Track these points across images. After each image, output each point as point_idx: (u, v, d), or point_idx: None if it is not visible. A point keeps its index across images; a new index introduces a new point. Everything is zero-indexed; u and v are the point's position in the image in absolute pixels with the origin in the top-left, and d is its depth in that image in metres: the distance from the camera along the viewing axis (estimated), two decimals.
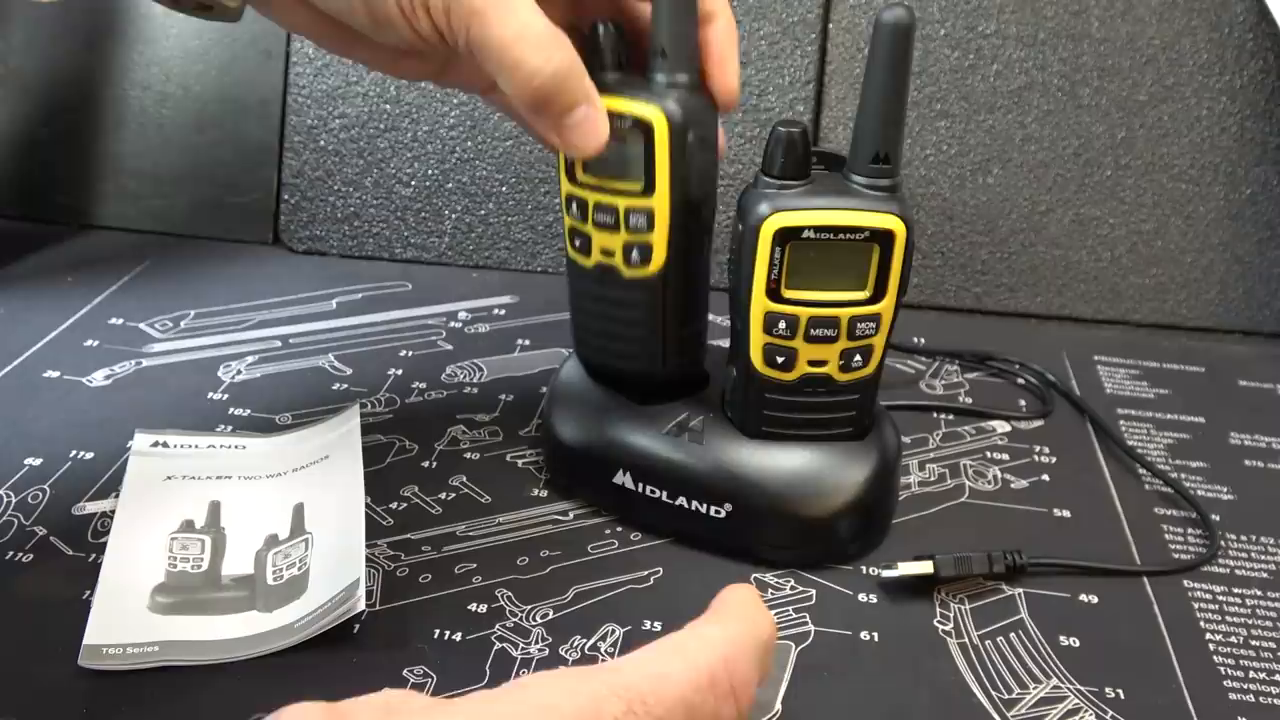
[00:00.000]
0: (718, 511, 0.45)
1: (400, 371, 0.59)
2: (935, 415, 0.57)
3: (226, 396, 0.56)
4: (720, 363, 0.47)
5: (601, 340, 0.47)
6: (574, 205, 0.44)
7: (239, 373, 0.58)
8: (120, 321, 0.62)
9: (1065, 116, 0.68)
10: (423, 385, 0.57)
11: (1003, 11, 0.67)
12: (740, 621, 0.31)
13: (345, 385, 0.57)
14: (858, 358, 0.43)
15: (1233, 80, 0.67)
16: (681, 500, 0.45)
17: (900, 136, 0.41)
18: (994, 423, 0.56)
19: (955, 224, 0.68)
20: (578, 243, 0.45)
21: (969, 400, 0.58)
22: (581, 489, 0.49)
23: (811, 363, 0.43)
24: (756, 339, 0.43)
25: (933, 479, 0.52)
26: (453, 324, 0.64)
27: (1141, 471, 0.53)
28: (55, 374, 0.57)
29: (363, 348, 0.61)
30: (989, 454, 0.54)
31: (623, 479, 0.46)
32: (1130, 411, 0.58)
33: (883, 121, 0.40)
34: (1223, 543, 0.48)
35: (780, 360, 0.43)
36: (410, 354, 0.60)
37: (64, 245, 0.71)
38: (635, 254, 0.43)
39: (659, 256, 0.43)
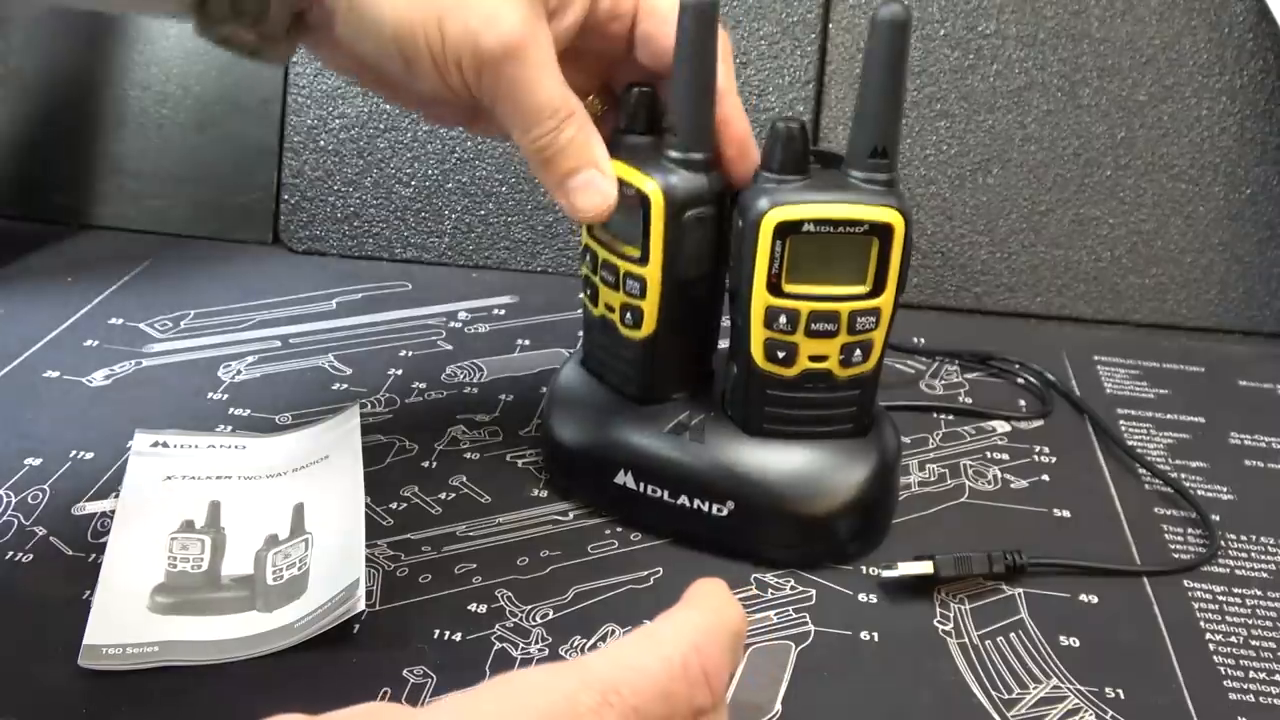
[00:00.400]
0: (719, 510, 0.45)
1: (400, 371, 0.59)
2: (935, 415, 0.57)
3: (226, 396, 0.56)
4: (721, 360, 0.47)
5: (604, 368, 0.48)
6: (588, 255, 0.46)
7: (239, 373, 0.58)
8: (120, 321, 0.62)
9: (1065, 116, 0.68)
10: (423, 385, 0.57)
11: (1003, 11, 0.67)
12: (709, 611, 0.31)
13: (345, 385, 0.57)
14: (858, 353, 0.43)
15: (1233, 80, 0.67)
16: (683, 499, 0.45)
17: (898, 131, 0.41)
18: (994, 423, 0.56)
19: (955, 224, 0.68)
20: (588, 291, 0.47)
21: (969, 400, 0.58)
22: (582, 490, 0.49)
23: (812, 358, 0.43)
24: (757, 334, 0.43)
25: (933, 479, 0.52)
26: (453, 324, 0.64)
27: (1141, 471, 0.53)
28: (55, 374, 0.57)
29: (363, 348, 0.61)
30: (989, 454, 0.54)
31: (624, 479, 0.46)
32: (1130, 411, 0.58)
33: (880, 117, 0.40)
34: (1223, 543, 0.48)
35: (781, 355, 0.43)
36: (410, 354, 0.60)
37: (64, 245, 0.71)
38: (629, 316, 0.45)
39: (649, 324, 0.45)
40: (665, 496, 0.46)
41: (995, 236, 0.68)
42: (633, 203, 0.42)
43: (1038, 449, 0.55)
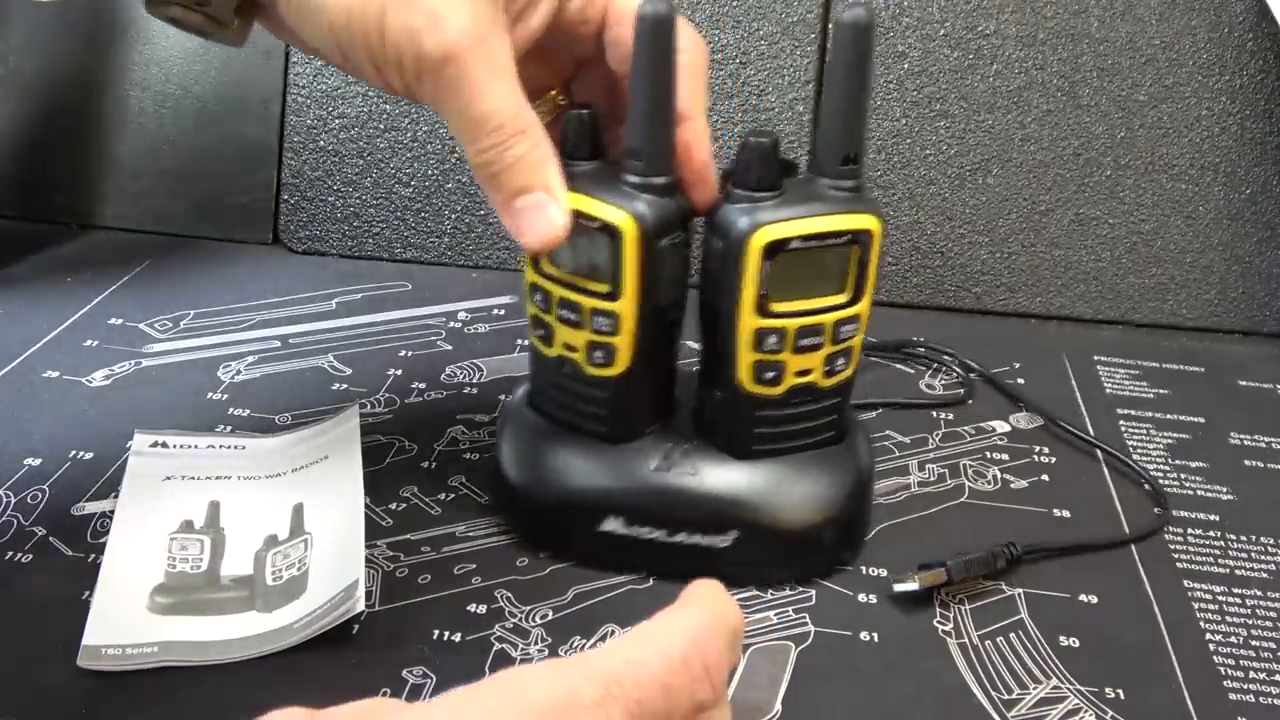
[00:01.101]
0: (722, 541, 0.43)
1: (400, 371, 0.59)
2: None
3: (226, 396, 0.56)
4: (689, 383, 0.45)
5: (564, 409, 0.45)
6: (537, 294, 0.43)
7: (239, 373, 0.58)
8: (120, 321, 0.62)
9: (1065, 116, 0.68)
10: (422, 385, 0.57)
11: (1002, 11, 0.67)
12: (707, 610, 0.31)
13: (345, 385, 0.57)
14: (840, 361, 0.42)
15: (1233, 80, 0.67)
16: (681, 536, 0.43)
17: (864, 136, 0.40)
18: (994, 422, 0.56)
19: (955, 224, 0.68)
20: (540, 332, 0.44)
21: (969, 400, 0.58)
22: (560, 545, 0.46)
23: (799, 373, 0.42)
24: (745, 357, 0.41)
25: (933, 479, 0.52)
26: (452, 324, 0.64)
27: (1141, 471, 0.53)
28: (55, 374, 0.57)
29: (362, 348, 0.61)
30: (989, 454, 0.54)
31: (612, 525, 0.44)
32: (1130, 411, 0.58)
33: (849, 123, 0.39)
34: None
35: (770, 376, 0.42)
36: (410, 354, 0.60)
37: (64, 245, 0.71)
38: (599, 354, 0.42)
39: (623, 359, 0.42)
40: (663, 536, 0.43)
41: (995, 236, 0.68)
42: (595, 235, 0.40)
43: (1038, 449, 0.55)
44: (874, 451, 0.47)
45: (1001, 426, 0.56)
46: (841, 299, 0.41)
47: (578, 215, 0.39)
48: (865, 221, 0.40)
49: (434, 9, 0.35)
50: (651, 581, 0.44)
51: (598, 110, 0.41)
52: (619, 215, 0.39)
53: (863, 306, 0.42)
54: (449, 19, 0.35)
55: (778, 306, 0.40)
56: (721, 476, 0.44)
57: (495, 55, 0.36)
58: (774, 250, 0.39)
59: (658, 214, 0.40)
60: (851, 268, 0.41)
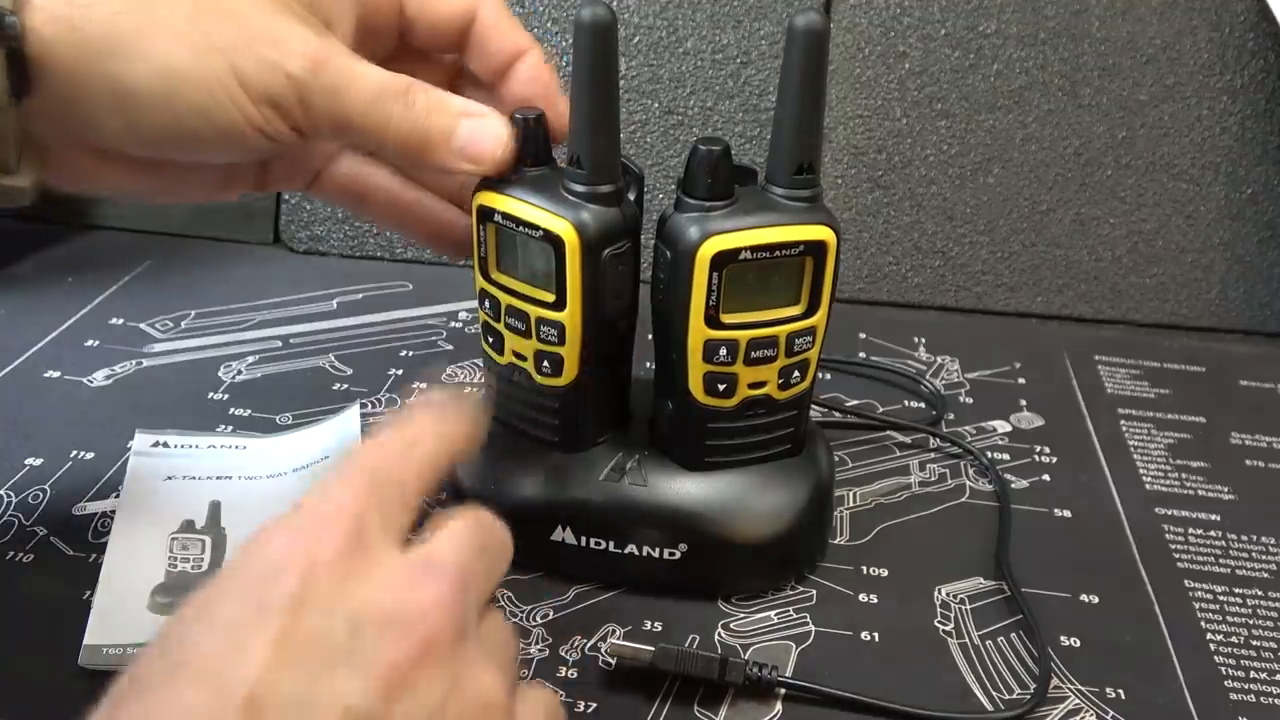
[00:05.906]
0: (671, 554, 0.43)
1: (401, 372, 0.59)
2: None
3: (227, 396, 0.56)
4: (643, 393, 0.45)
5: (517, 417, 0.45)
6: (486, 301, 0.43)
7: (239, 373, 0.58)
8: (121, 321, 0.62)
9: (1066, 116, 0.68)
10: (423, 385, 0.57)
11: (1003, 11, 0.67)
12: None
13: (345, 385, 0.57)
14: (796, 374, 0.41)
15: (1233, 80, 0.67)
16: (631, 547, 0.43)
17: (820, 144, 0.39)
18: (994, 422, 0.56)
19: (955, 224, 0.68)
20: (491, 339, 0.44)
21: (969, 400, 0.58)
22: (514, 553, 0.46)
23: (751, 385, 0.41)
24: (696, 369, 0.41)
25: (933, 479, 0.52)
26: (453, 324, 0.64)
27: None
28: (56, 374, 0.57)
29: (363, 348, 0.61)
30: (989, 454, 0.54)
31: (562, 535, 0.43)
32: (1131, 411, 0.58)
33: (803, 131, 0.38)
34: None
35: (721, 388, 0.41)
36: (411, 354, 0.60)
37: (64, 245, 0.71)
38: (546, 364, 0.42)
39: (570, 370, 0.41)
40: (610, 547, 0.43)
41: (996, 236, 0.68)
42: (539, 244, 0.39)
43: (1038, 449, 0.55)
44: (832, 459, 0.46)
45: (1002, 426, 0.56)
46: (795, 311, 0.40)
47: (521, 224, 0.39)
48: (819, 233, 0.39)
49: (276, 38, 0.36)
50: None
51: (544, 115, 0.41)
52: (561, 225, 0.39)
53: (818, 320, 0.41)
54: (291, 40, 0.36)
55: (728, 318, 0.40)
56: (671, 488, 0.43)
57: (344, 50, 0.37)
58: (723, 261, 0.38)
59: (601, 223, 0.39)
60: (805, 279, 0.40)
